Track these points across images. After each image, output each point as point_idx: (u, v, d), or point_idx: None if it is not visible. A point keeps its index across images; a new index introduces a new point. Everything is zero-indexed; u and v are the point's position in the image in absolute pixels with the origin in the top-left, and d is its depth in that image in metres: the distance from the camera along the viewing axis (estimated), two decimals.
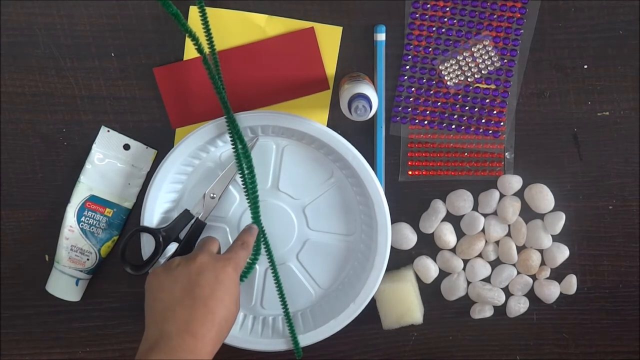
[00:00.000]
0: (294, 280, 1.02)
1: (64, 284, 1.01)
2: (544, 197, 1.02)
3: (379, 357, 1.06)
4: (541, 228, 1.02)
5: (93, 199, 1.00)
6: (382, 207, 0.97)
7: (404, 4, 0.98)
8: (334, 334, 1.00)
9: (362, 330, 1.05)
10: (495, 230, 1.02)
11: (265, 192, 1.00)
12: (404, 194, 1.02)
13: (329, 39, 0.99)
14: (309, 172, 1.00)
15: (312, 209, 1.00)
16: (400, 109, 1.01)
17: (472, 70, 1.00)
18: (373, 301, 1.01)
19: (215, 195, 0.99)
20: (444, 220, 1.03)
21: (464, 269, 1.04)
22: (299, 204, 1.00)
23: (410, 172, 1.02)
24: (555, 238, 1.03)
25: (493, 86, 1.00)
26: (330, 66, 0.99)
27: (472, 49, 0.99)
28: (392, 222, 1.00)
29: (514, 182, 1.02)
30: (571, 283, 1.04)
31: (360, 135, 1.00)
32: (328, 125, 1.00)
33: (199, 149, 0.97)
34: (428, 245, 1.04)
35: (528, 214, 1.03)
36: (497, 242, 1.04)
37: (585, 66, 1.00)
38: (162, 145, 1.01)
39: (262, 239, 0.98)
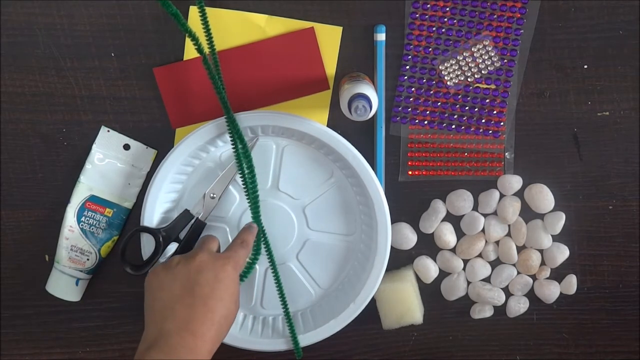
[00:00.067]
0: (294, 280, 1.02)
1: (64, 284, 1.01)
2: (544, 197, 1.02)
3: (379, 357, 1.06)
4: (541, 228, 1.02)
5: (93, 199, 1.00)
6: (382, 207, 0.97)
7: (404, 4, 0.98)
8: (334, 334, 1.00)
9: (362, 330, 1.04)
10: (495, 230, 1.02)
11: (265, 192, 1.00)
12: (404, 194, 1.02)
13: (329, 39, 0.99)
14: (309, 172, 1.00)
15: (312, 209, 1.00)
16: (400, 109, 1.01)
17: (472, 70, 0.99)
18: (373, 301, 1.01)
19: (215, 195, 0.99)
20: (444, 220, 1.03)
21: (464, 269, 1.04)
22: (299, 204, 1.00)
23: (410, 172, 1.02)
24: (555, 238, 1.03)
25: (493, 86, 1.00)
26: (330, 66, 0.99)
27: (472, 49, 0.99)
28: (392, 222, 1.00)
29: (514, 182, 1.02)
30: (571, 283, 1.04)
31: (360, 135, 1.00)
32: (328, 125, 1.00)
33: (199, 149, 0.97)
34: (428, 245, 1.03)
35: (528, 214, 1.03)
36: (497, 242, 1.04)
37: (585, 66, 1.00)
38: (162, 145, 1.01)
39: (262, 239, 0.98)
